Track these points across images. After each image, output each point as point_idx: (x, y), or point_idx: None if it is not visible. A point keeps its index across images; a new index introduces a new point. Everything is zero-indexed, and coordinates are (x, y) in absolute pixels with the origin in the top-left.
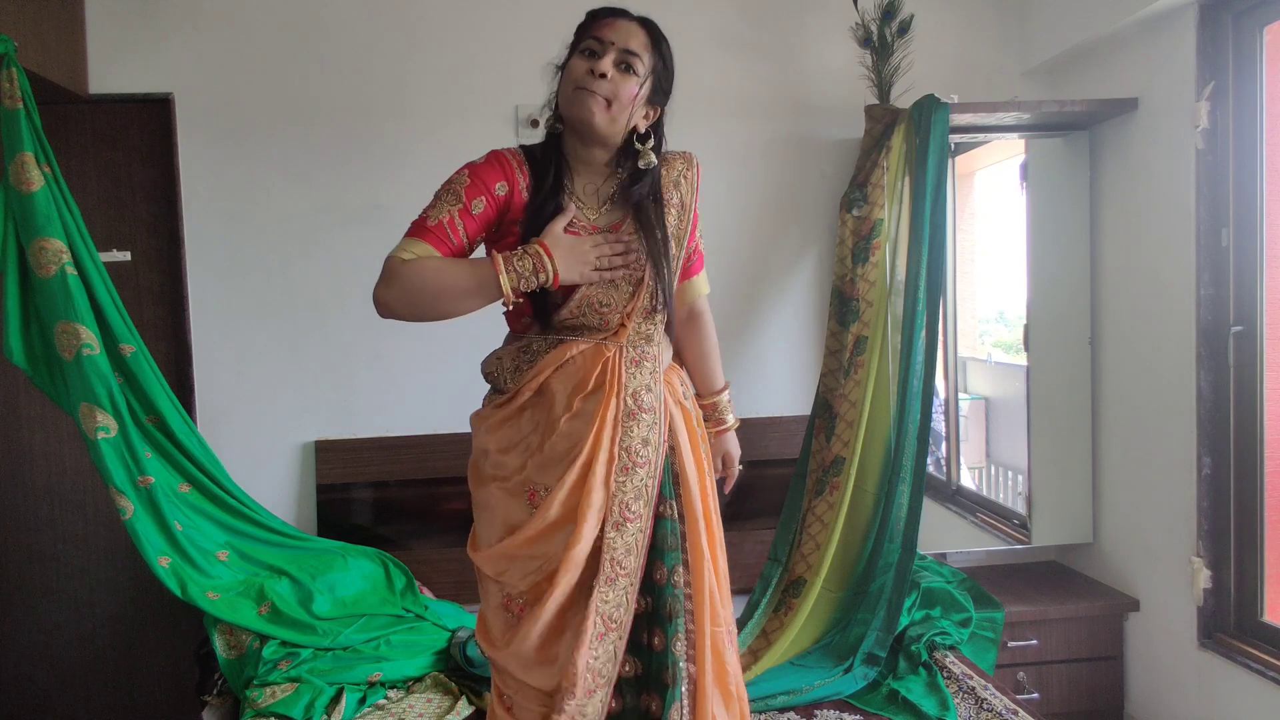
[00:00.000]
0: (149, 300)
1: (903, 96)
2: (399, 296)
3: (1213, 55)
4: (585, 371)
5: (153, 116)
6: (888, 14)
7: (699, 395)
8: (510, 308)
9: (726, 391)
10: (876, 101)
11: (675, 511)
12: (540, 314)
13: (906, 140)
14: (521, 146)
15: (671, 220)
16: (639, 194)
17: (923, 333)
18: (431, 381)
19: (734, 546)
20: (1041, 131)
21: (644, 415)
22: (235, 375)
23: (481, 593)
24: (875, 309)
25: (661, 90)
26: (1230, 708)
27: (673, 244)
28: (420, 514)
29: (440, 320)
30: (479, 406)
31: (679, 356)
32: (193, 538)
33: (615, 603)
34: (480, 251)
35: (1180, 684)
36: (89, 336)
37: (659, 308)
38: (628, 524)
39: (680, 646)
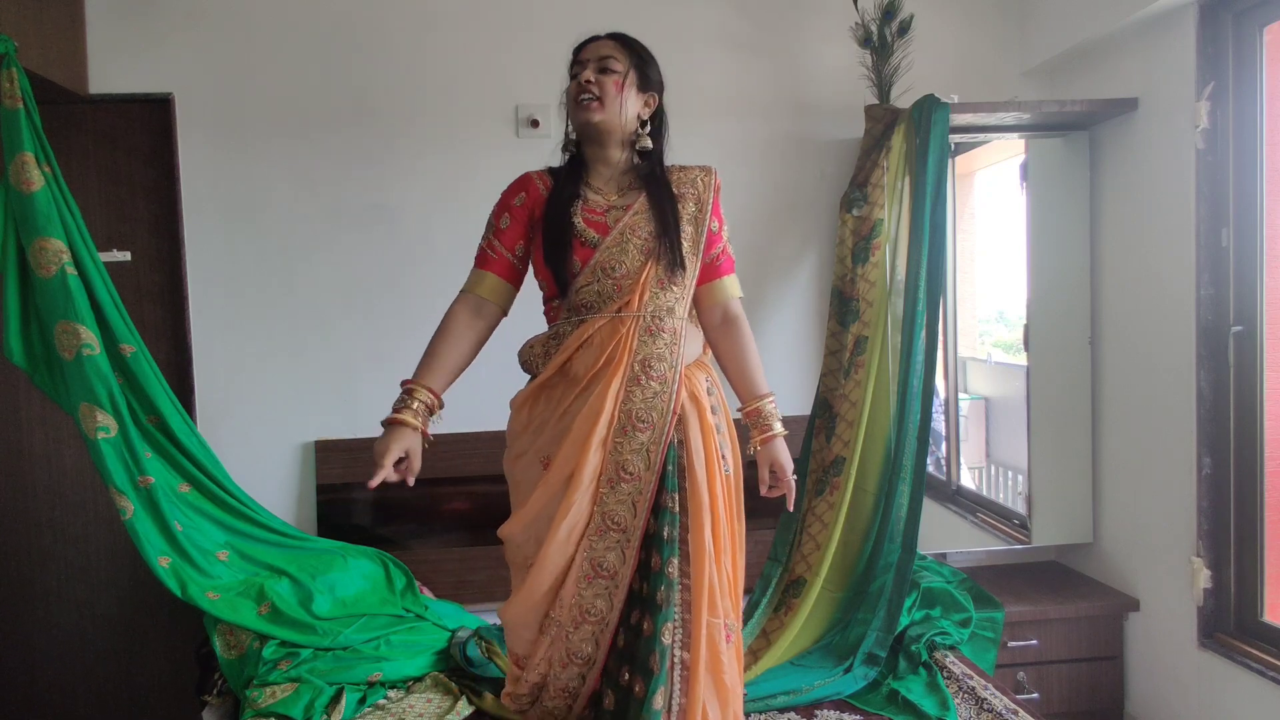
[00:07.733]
0: (149, 300)
1: (903, 96)
2: None
3: (1213, 55)
4: (601, 347)
5: (153, 116)
6: (888, 14)
7: (742, 402)
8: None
9: (771, 399)
10: (876, 101)
11: (677, 504)
12: (561, 287)
13: (906, 140)
14: (549, 168)
15: (689, 209)
16: (646, 169)
17: (923, 333)
18: None
19: None
20: (1041, 131)
21: (652, 383)
22: (235, 375)
23: (510, 564)
24: (875, 309)
25: (648, 78)
26: (1230, 708)
27: (685, 223)
28: (420, 514)
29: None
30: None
31: (720, 362)
32: (193, 538)
33: (605, 549)
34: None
35: (1180, 684)
36: (89, 336)
37: (675, 273)
38: (622, 483)
39: (670, 635)
